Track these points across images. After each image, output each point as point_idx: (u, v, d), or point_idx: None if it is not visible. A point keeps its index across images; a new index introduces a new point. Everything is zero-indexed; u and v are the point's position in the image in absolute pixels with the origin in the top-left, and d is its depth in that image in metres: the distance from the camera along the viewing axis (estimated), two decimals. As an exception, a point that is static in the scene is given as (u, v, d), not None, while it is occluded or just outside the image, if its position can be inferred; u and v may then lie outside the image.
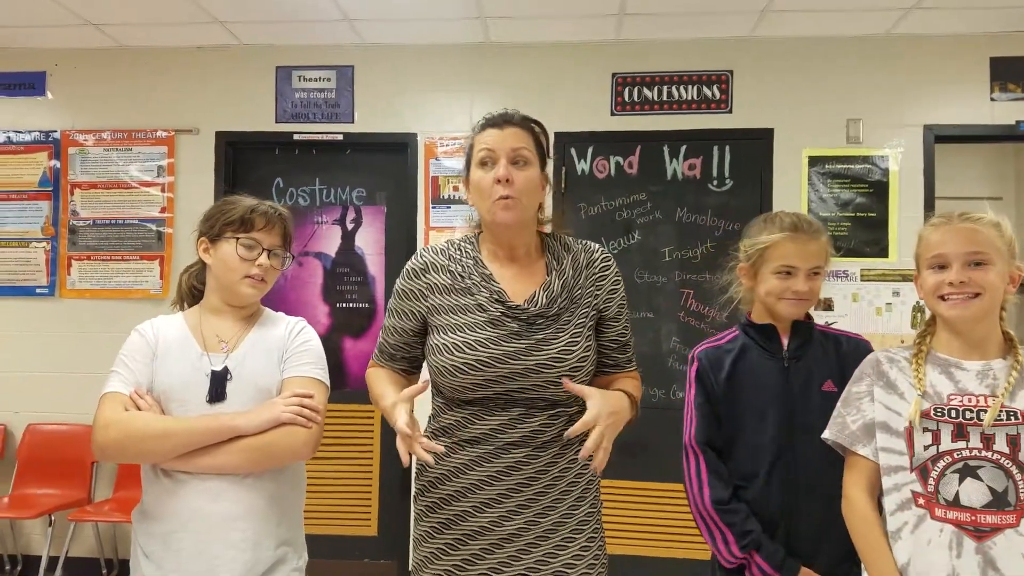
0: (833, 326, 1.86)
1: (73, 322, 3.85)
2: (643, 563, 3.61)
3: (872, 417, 1.55)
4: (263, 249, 1.66)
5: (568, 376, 1.50)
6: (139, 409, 1.58)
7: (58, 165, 3.91)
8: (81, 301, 3.88)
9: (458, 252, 1.62)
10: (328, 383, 1.71)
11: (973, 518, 1.44)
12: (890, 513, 1.51)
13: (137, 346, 1.65)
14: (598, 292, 1.60)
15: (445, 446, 1.55)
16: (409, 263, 1.65)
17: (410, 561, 1.55)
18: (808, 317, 1.79)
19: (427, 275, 1.60)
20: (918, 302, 3.59)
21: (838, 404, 1.61)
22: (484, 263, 1.60)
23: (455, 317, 1.55)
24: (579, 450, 1.51)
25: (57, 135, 3.92)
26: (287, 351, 1.68)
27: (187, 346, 1.65)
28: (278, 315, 1.77)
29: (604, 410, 1.42)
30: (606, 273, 1.62)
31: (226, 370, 1.62)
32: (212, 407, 1.59)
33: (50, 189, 3.92)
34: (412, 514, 1.65)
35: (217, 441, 1.55)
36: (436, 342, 1.55)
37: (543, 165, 1.60)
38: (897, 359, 1.57)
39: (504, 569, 1.51)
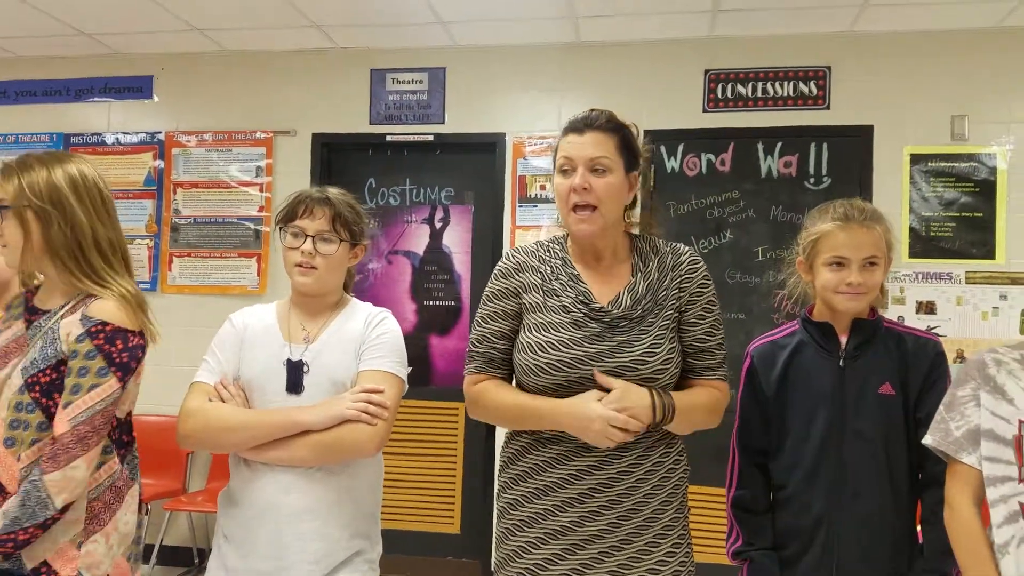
0: (907, 323, 1.78)
1: (173, 317, 3.99)
2: (733, 572, 3.50)
3: (977, 424, 1.45)
4: (307, 236, 1.66)
5: (650, 380, 1.48)
6: (222, 399, 1.62)
7: (162, 165, 4.08)
8: (181, 296, 4.02)
9: (547, 253, 1.63)
10: (404, 376, 1.69)
11: None
12: (996, 526, 1.41)
13: (227, 335, 1.70)
14: (681, 294, 1.57)
15: (527, 443, 1.56)
16: (499, 265, 1.65)
17: (492, 559, 1.53)
18: (873, 313, 1.69)
19: (520, 274, 1.61)
20: (1029, 306, 3.42)
21: (940, 408, 1.51)
22: (572, 263, 1.60)
23: (542, 316, 1.55)
24: (665, 453, 1.54)
25: (162, 136, 4.10)
26: (364, 343, 1.67)
27: (271, 335, 1.68)
28: (363, 306, 1.77)
29: (620, 394, 1.45)
30: (692, 276, 1.58)
31: (302, 362, 1.64)
32: (290, 398, 1.62)
33: (154, 188, 4.09)
34: (495, 511, 1.64)
35: (286, 435, 1.57)
36: (523, 340, 1.56)
37: (631, 167, 1.57)
38: (1005, 361, 1.46)
39: (586, 571, 1.49)
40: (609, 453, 1.49)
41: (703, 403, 1.55)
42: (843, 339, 1.67)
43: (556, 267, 1.59)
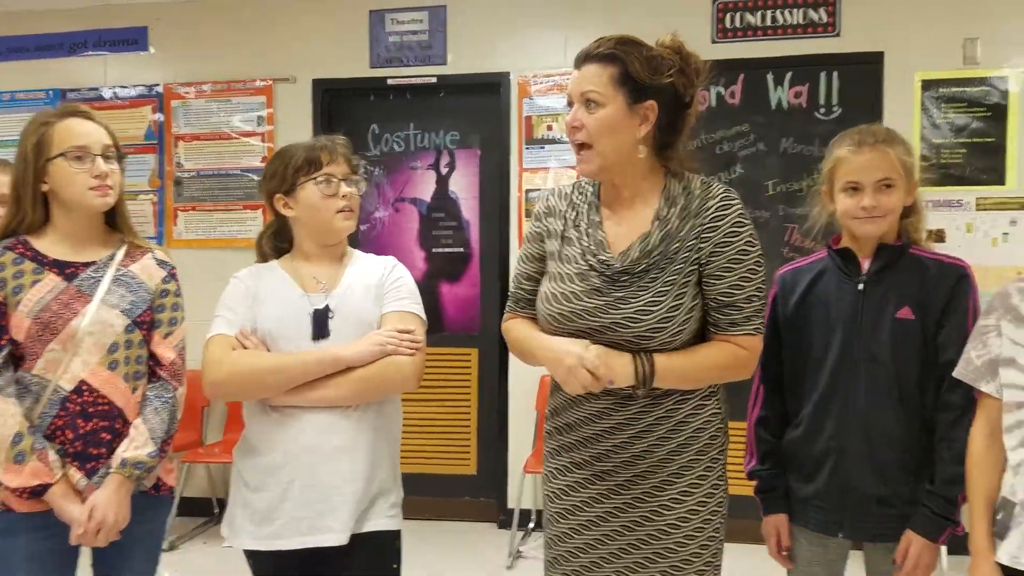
0: (941, 251, 1.72)
1: (181, 271, 3.86)
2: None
3: (999, 353, 1.46)
4: (339, 180, 1.67)
5: (645, 339, 1.43)
6: (245, 348, 1.61)
7: (162, 118, 4.03)
8: (188, 251, 3.99)
9: (580, 196, 1.59)
10: (425, 318, 1.72)
11: None
12: (1010, 449, 1.43)
13: (237, 292, 1.69)
14: (702, 245, 1.45)
15: (553, 383, 1.57)
16: (536, 205, 1.65)
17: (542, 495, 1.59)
18: (900, 239, 1.66)
19: (548, 219, 1.60)
20: (1041, 230, 3.41)
21: (969, 339, 1.52)
22: (598, 207, 1.55)
23: (556, 266, 1.54)
24: (700, 405, 1.50)
25: (160, 89, 4.03)
26: (385, 287, 1.70)
27: (287, 288, 1.68)
28: (368, 255, 1.79)
29: (604, 351, 1.43)
30: (718, 223, 1.45)
31: (327, 308, 1.64)
32: (316, 345, 1.62)
33: (155, 142, 4.04)
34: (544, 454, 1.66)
35: (326, 373, 1.57)
36: (541, 288, 1.56)
37: (639, 97, 1.44)
38: None
39: (611, 519, 1.51)
40: (615, 401, 1.48)
41: (711, 362, 1.46)
42: (866, 264, 1.66)
43: (582, 211, 1.56)
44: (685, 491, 1.49)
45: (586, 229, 1.53)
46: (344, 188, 1.67)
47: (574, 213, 1.56)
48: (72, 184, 1.61)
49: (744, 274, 1.45)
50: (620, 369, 1.42)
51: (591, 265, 1.49)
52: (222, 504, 3.99)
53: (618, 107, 1.45)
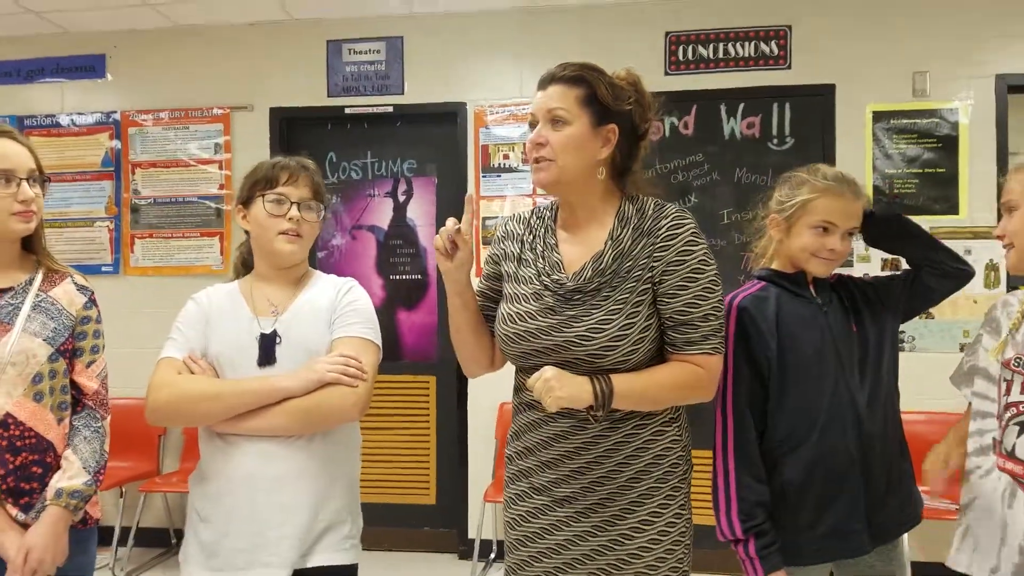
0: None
1: (138, 299, 3.95)
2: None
3: (976, 362, 1.55)
4: (291, 203, 1.63)
5: (597, 358, 1.42)
6: (192, 373, 1.59)
7: (119, 146, 4.01)
8: (145, 278, 3.98)
9: (537, 220, 1.61)
10: (379, 343, 1.68)
11: None
12: (967, 455, 1.49)
13: (191, 313, 1.67)
14: (655, 264, 1.45)
15: (514, 406, 1.60)
16: (497, 229, 1.73)
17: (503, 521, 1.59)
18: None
19: (505, 242, 1.63)
20: (991, 260, 3.44)
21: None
22: (555, 231, 1.58)
23: (513, 287, 1.56)
24: (658, 432, 1.49)
25: (117, 116, 4.01)
26: (336, 311, 1.65)
27: (238, 311, 1.65)
28: (328, 277, 1.75)
29: (547, 374, 1.40)
30: (670, 243, 1.45)
31: (275, 333, 1.61)
32: (262, 371, 1.59)
33: (112, 169, 4.02)
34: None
35: (265, 403, 1.54)
36: (498, 311, 1.58)
37: (603, 120, 1.47)
38: (1011, 302, 1.53)
39: (579, 543, 1.49)
40: (572, 424, 1.47)
41: (669, 382, 1.45)
42: (811, 288, 1.70)
43: (539, 234, 1.58)
44: (646, 520, 1.48)
45: (541, 251, 1.55)
46: (294, 211, 1.63)
47: (531, 236, 1.59)
48: None
49: (700, 293, 1.44)
50: (577, 389, 1.39)
51: (545, 285, 1.51)
52: (179, 534, 3.95)
53: (583, 126, 1.47)
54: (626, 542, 1.47)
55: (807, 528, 1.61)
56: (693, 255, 1.45)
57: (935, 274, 1.67)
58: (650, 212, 1.50)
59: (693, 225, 1.48)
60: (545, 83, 1.51)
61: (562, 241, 1.56)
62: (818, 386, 1.62)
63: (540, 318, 1.48)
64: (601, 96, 1.47)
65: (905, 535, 1.71)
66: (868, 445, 1.62)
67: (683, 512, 1.52)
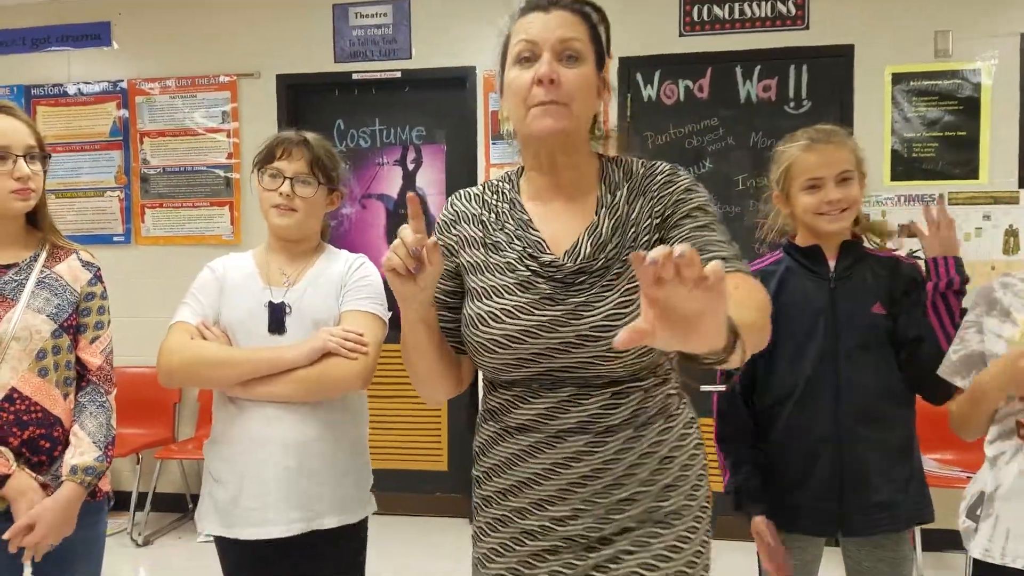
0: (896, 252, 1.75)
1: (150, 268, 3.97)
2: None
3: (974, 349, 1.49)
4: (285, 178, 1.66)
5: (618, 352, 1.13)
6: (204, 339, 1.63)
7: (127, 115, 3.98)
8: (156, 248, 3.98)
9: (494, 196, 1.29)
10: (386, 318, 1.71)
11: None
12: (989, 442, 1.46)
13: (206, 280, 1.71)
14: (663, 210, 1.21)
15: (494, 432, 1.27)
16: (440, 214, 1.33)
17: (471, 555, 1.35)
18: (856, 238, 1.71)
19: (457, 226, 1.29)
20: (1011, 225, 3.37)
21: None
22: (523, 205, 1.26)
23: (485, 279, 1.23)
24: (665, 429, 1.21)
25: (124, 85, 3.98)
26: (346, 285, 1.70)
27: (251, 280, 1.70)
28: (340, 252, 1.79)
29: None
30: (669, 189, 1.22)
31: (284, 303, 1.66)
32: (272, 339, 1.64)
33: (120, 139, 4.00)
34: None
35: (272, 372, 1.59)
36: (466, 312, 1.25)
37: (601, 65, 1.23)
38: (1012, 283, 1.48)
39: (570, 569, 1.20)
40: (588, 441, 1.18)
41: (759, 289, 1.13)
42: (832, 262, 1.68)
43: (503, 212, 1.27)
44: (673, 546, 1.20)
45: (515, 231, 1.24)
46: (285, 187, 1.66)
47: (492, 215, 1.28)
48: None
49: (710, 222, 1.20)
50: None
51: (534, 270, 1.20)
52: (195, 499, 4.00)
53: (591, 69, 1.20)
54: (625, 559, 1.20)
55: (786, 494, 1.66)
56: (696, 194, 1.23)
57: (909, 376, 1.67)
58: (640, 171, 1.26)
59: (690, 177, 1.26)
60: (546, 7, 1.19)
61: (535, 216, 1.25)
62: (800, 361, 1.65)
63: (536, 311, 1.17)
64: (603, 36, 1.24)
65: (917, 528, 1.70)
66: (849, 429, 1.61)
67: (703, 518, 1.26)
